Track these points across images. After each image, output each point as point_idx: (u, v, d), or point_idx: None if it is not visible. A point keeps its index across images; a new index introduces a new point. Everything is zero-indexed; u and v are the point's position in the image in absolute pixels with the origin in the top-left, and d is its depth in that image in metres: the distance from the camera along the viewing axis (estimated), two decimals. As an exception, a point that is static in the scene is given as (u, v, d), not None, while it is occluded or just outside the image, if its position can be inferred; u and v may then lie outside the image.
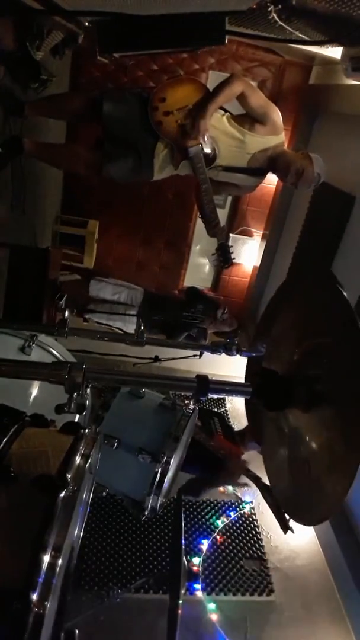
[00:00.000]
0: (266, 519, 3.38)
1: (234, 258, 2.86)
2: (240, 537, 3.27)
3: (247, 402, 1.71)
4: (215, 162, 2.62)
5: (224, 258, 2.81)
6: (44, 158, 2.88)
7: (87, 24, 2.71)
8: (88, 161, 2.69)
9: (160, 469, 1.66)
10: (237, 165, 2.68)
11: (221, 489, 3.54)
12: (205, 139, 2.50)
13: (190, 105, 2.48)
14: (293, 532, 2.24)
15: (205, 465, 2.52)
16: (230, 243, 2.86)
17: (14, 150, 2.58)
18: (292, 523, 2.24)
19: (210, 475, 2.54)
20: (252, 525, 3.36)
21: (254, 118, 2.57)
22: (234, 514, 3.41)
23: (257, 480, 2.57)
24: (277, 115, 2.59)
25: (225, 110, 2.63)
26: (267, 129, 2.59)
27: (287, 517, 2.24)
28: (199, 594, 2.87)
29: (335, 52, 2.97)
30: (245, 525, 3.36)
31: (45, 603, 0.75)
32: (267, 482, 2.32)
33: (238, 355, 1.87)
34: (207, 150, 2.55)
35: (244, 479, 2.76)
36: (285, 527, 2.26)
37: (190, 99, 2.48)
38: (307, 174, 2.66)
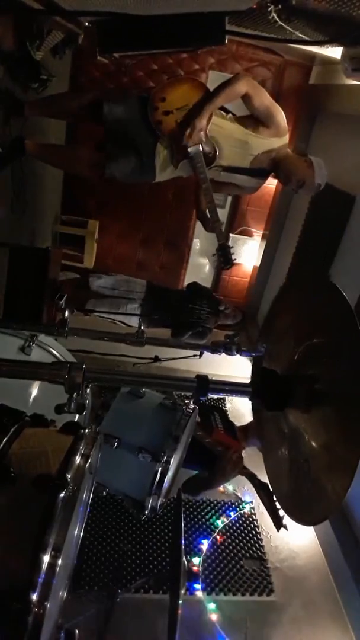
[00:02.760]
0: (266, 519, 3.36)
1: (235, 259, 2.84)
2: (240, 537, 3.26)
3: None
4: (216, 162, 2.61)
5: (224, 259, 2.78)
6: (46, 159, 2.88)
7: (87, 24, 2.71)
8: (91, 162, 2.69)
9: (160, 469, 1.66)
10: (238, 165, 2.67)
11: (221, 488, 3.53)
12: (204, 138, 2.49)
13: (190, 105, 2.47)
14: (287, 529, 2.23)
15: (202, 463, 2.51)
16: (230, 243, 2.84)
17: (16, 151, 2.59)
18: (287, 521, 2.23)
19: (208, 475, 2.52)
20: (252, 525, 3.36)
21: (258, 119, 2.56)
22: (234, 514, 3.41)
23: (252, 478, 2.56)
24: (281, 117, 2.57)
25: (227, 112, 2.63)
26: (271, 131, 2.58)
27: (281, 514, 2.24)
28: (199, 594, 2.87)
29: (335, 52, 2.96)
30: (245, 525, 3.36)
31: (45, 603, 0.75)
32: (263, 480, 2.33)
33: (238, 355, 1.87)
34: (207, 149, 2.54)
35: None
36: (278, 525, 2.26)
37: (190, 98, 2.47)
38: (308, 186, 2.69)
